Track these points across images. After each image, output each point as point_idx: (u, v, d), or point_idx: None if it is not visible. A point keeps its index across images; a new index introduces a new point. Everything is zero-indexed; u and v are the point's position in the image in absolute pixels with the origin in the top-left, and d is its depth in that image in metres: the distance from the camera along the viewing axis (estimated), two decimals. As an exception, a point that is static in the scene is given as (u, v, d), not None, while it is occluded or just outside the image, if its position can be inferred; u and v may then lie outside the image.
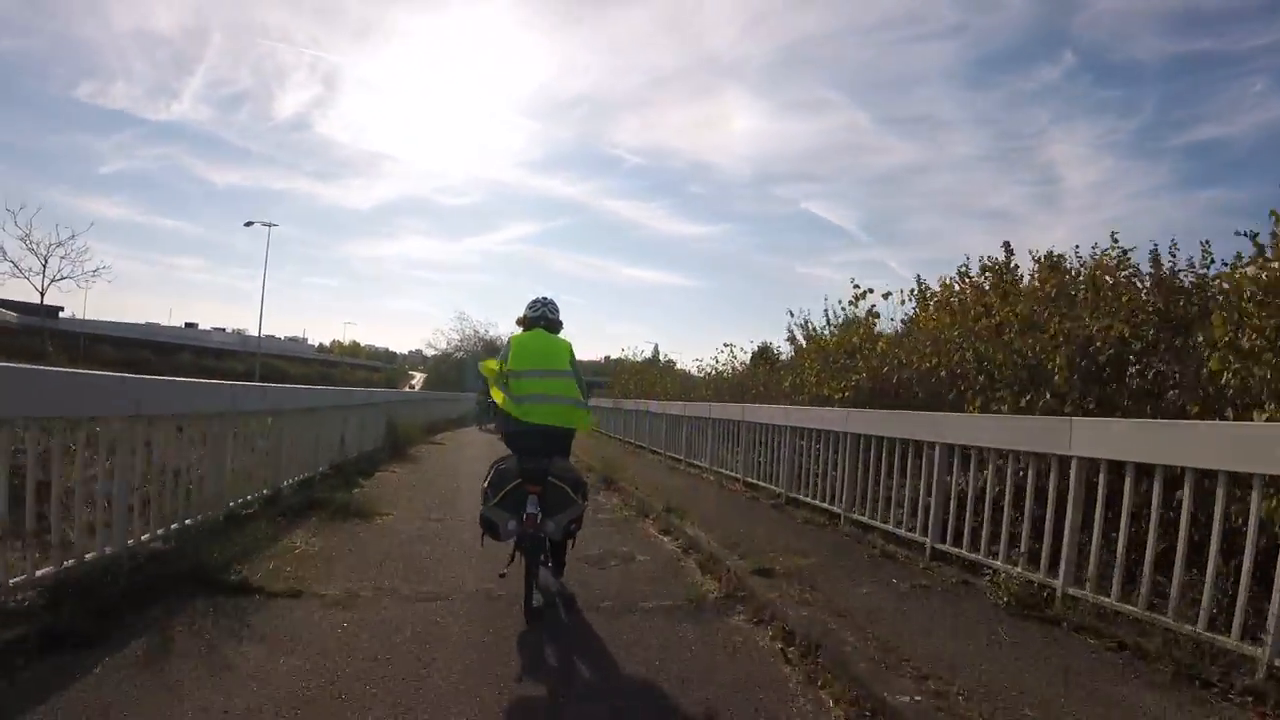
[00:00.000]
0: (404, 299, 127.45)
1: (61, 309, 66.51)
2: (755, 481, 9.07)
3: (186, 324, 76.27)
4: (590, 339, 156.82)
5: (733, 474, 9.92)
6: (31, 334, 57.11)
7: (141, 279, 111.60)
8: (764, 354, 14.55)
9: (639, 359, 26.54)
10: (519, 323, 4.65)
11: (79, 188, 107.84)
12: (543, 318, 4.52)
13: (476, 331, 46.13)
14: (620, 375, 27.48)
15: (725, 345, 16.99)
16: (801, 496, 7.60)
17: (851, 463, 6.56)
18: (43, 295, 37.36)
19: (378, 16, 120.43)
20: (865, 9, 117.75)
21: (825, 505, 7.02)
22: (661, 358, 25.59)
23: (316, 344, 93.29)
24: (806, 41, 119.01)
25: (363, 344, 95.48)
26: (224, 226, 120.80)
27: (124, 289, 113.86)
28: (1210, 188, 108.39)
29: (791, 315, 12.28)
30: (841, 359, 8.73)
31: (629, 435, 17.57)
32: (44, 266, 36.42)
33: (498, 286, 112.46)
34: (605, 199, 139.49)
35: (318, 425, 8.89)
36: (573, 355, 4.41)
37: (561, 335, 4.63)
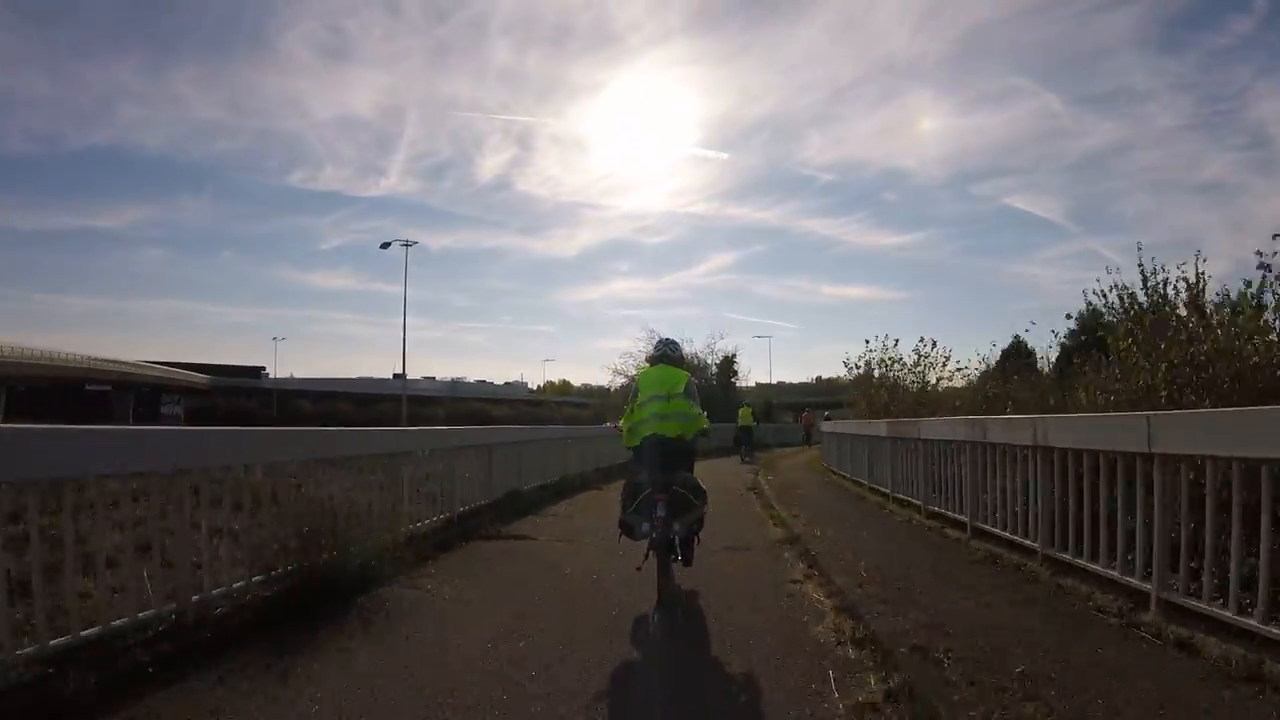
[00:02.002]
0: (614, 338, 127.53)
1: (263, 368, 71.54)
2: None
3: (394, 375, 78.01)
4: (798, 362, 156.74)
5: None
6: (222, 393, 61.30)
7: (369, 339, 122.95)
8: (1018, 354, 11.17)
9: (890, 356, 16.06)
10: (648, 360, 5.67)
11: (302, 265, 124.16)
12: (664, 356, 5.36)
13: (668, 351, 37.14)
14: (865, 388, 17.31)
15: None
16: None
17: None
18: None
19: (558, 75, 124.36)
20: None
21: None
22: (925, 355, 14.87)
23: (534, 386, 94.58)
24: (983, 29, 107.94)
25: (576, 383, 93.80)
26: (438, 285, 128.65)
27: (355, 349, 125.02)
28: None
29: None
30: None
31: (906, 489, 7.83)
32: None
33: (703, 318, 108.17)
34: (800, 219, 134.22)
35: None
36: (689, 383, 5.13)
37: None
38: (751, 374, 52.80)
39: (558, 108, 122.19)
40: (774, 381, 70.64)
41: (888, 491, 9.41)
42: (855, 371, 16.87)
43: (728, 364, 37.21)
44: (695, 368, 35.87)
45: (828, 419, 23.05)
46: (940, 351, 15.11)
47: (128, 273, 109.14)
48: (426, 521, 6.87)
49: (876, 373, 16.20)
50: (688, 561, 4.86)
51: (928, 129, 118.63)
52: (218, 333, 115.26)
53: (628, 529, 4.79)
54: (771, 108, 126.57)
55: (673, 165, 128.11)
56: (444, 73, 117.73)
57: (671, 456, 4.87)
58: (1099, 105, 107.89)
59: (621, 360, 37.12)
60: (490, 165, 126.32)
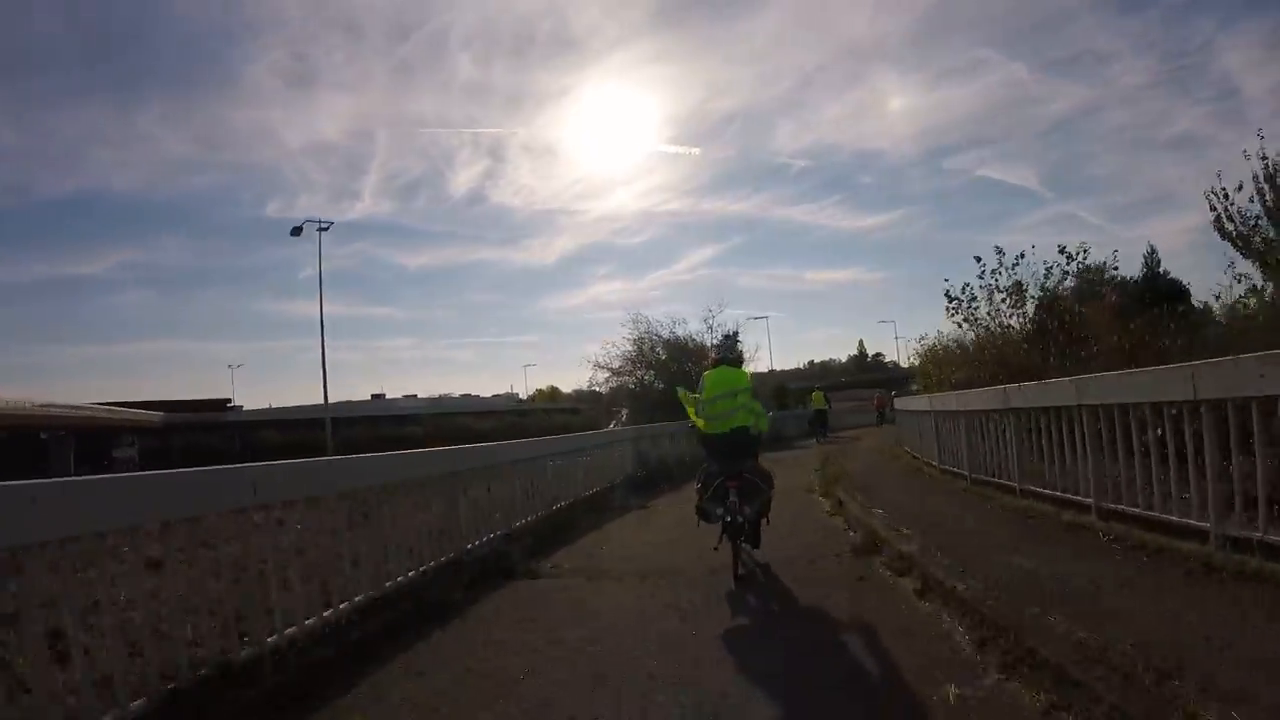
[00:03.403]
0: (601, 341, 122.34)
1: (229, 400, 66.59)
2: None
3: (372, 395, 74.98)
4: (788, 349, 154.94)
5: None
6: (179, 431, 56.42)
7: (358, 364, 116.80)
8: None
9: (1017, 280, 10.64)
10: (711, 363, 5.93)
11: (283, 294, 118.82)
12: (724, 358, 5.82)
13: (659, 335, 30.87)
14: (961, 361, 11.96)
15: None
16: None
17: None
18: None
19: (523, 84, 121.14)
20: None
21: None
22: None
23: (526, 396, 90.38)
24: (944, 4, 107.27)
25: (566, 390, 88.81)
26: (423, 304, 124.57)
27: (343, 375, 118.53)
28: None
29: None
30: None
31: None
32: None
33: (688, 314, 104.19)
34: (777, 208, 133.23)
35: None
36: (748, 380, 5.70)
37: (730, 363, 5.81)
38: (757, 355, 47.44)
39: (525, 117, 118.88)
40: (769, 369, 66.99)
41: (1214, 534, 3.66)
42: (966, 308, 10.93)
43: (730, 344, 30.88)
44: (694, 349, 30.06)
45: (894, 397, 18.32)
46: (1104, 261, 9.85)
47: (111, 317, 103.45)
48: None
49: (990, 309, 10.39)
50: (755, 544, 5.58)
51: (896, 108, 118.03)
52: (205, 369, 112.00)
53: (704, 514, 5.35)
54: (740, 100, 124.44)
55: (644, 164, 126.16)
56: (409, 91, 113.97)
57: (739, 448, 5.43)
58: (1064, 70, 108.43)
59: (603, 352, 31.06)
60: (463, 180, 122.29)
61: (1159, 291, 17.88)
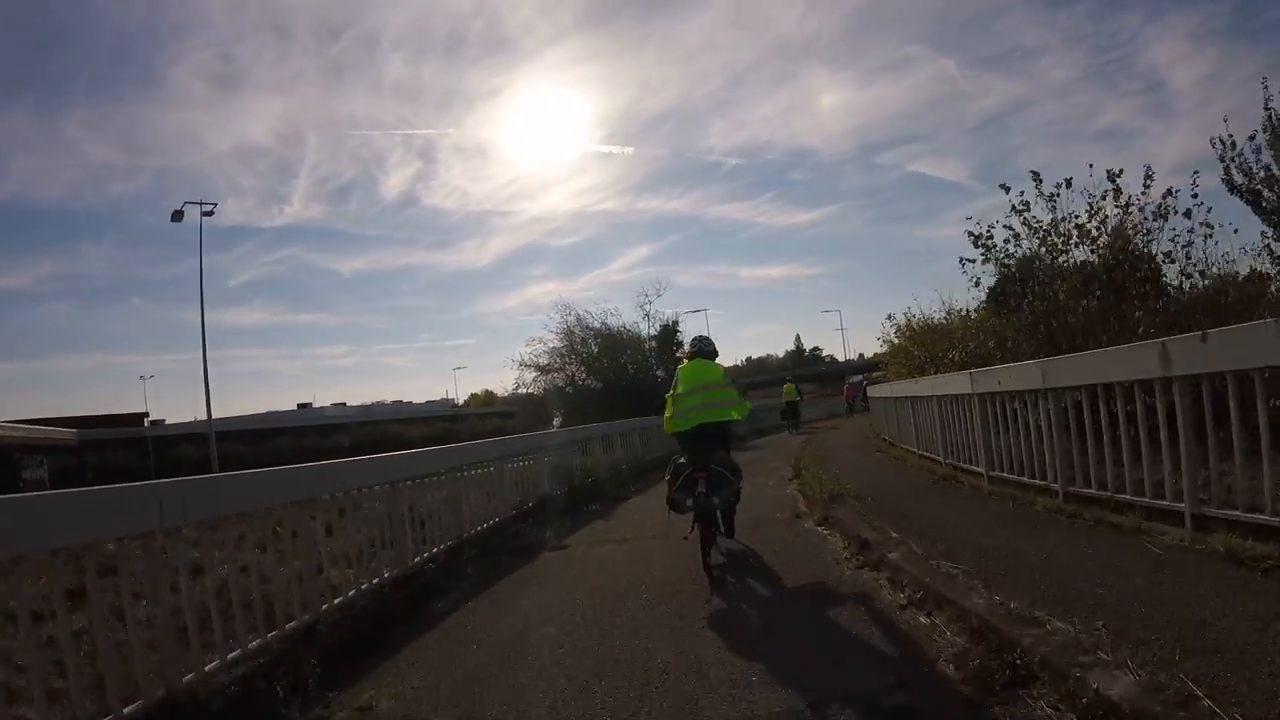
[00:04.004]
0: (526, 340, 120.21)
1: (146, 414, 61.52)
2: None
3: (299, 405, 70.72)
4: (726, 346, 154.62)
5: None
6: (94, 447, 51.23)
7: (291, 373, 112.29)
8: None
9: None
10: (685, 357, 5.95)
11: (211, 303, 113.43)
12: (700, 351, 5.85)
13: (589, 326, 27.96)
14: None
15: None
16: None
17: None
18: None
19: (455, 85, 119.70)
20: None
21: None
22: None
23: (461, 401, 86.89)
24: (873, 1, 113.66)
25: (501, 393, 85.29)
26: (357, 309, 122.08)
27: (271, 383, 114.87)
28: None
29: None
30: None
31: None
32: None
33: (626, 313, 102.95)
34: (711, 205, 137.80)
35: None
36: (723, 371, 5.79)
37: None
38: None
39: (457, 117, 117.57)
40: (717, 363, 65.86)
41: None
42: (1007, 245, 8.49)
43: (669, 334, 27.97)
44: (628, 340, 27.41)
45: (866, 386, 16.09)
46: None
47: (35, 331, 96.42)
48: None
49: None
50: (729, 533, 5.65)
51: (828, 105, 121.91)
52: (128, 383, 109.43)
53: (674, 504, 5.30)
54: (672, 98, 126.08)
55: (578, 164, 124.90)
56: (340, 93, 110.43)
57: (710, 439, 5.42)
58: (994, 65, 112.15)
59: (530, 349, 28.09)
60: (394, 182, 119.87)
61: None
